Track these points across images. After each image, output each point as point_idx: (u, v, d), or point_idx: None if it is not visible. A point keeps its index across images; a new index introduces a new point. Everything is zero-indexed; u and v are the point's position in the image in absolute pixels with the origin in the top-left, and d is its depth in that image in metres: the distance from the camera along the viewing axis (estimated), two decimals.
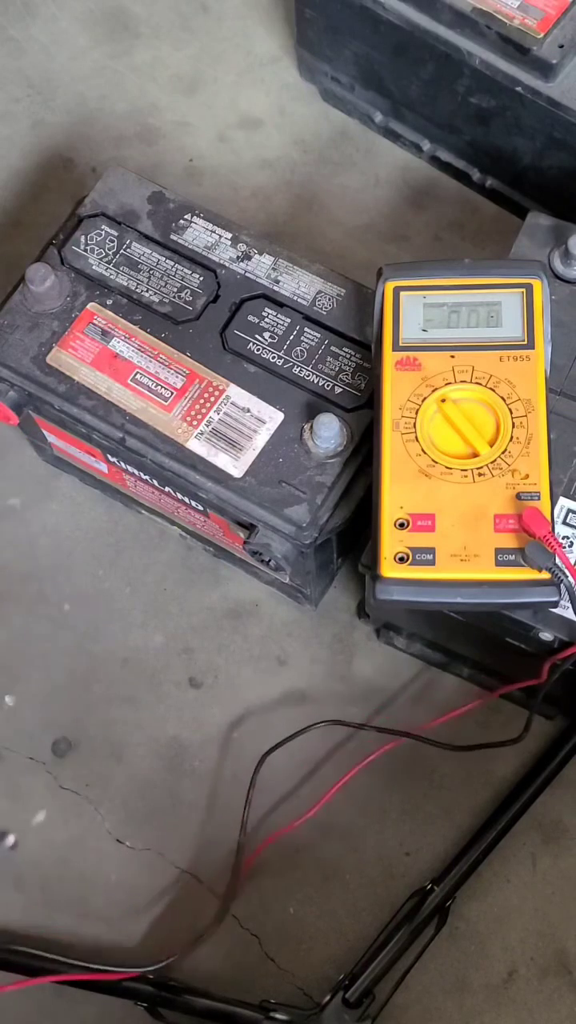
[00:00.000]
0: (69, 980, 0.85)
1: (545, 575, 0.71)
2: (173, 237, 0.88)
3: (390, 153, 1.13)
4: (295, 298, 0.86)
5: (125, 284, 0.87)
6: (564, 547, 0.76)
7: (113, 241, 0.88)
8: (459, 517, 0.73)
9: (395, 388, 0.77)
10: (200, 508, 0.85)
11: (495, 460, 0.74)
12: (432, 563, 0.72)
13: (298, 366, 0.84)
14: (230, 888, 0.88)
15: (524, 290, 0.79)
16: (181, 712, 0.94)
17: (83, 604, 0.98)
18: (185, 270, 0.87)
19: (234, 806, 0.90)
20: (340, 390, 0.83)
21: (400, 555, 0.72)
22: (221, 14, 1.19)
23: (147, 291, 0.87)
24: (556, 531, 0.76)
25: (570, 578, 0.70)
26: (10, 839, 0.91)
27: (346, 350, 0.84)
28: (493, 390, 0.76)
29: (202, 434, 0.82)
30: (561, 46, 0.91)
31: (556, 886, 0.88)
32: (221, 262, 0.87)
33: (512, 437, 0.75)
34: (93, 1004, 0.85)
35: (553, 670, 0.77)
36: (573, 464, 0.78)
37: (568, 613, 0.74)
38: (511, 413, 0.75)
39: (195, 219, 0.89)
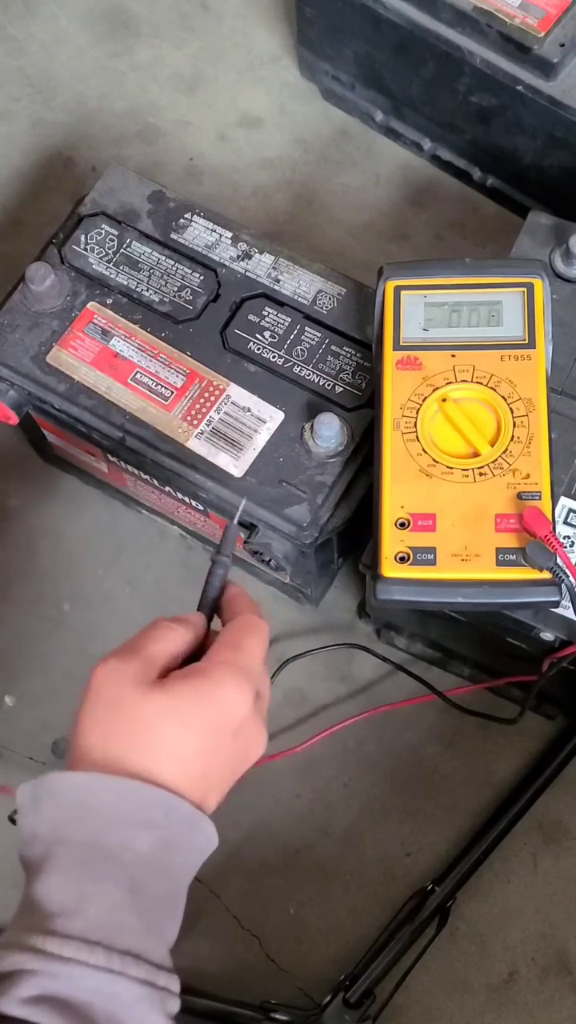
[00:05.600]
0: None
1: (546, 575, 0.70)
2: (173, 236, 0.88)
3: (391, 152, 1.12)
4: (295, 297, 0.86)
5: (125, 283, 0.87)
6: (565, 547, 0.75)
7: (113, 240, 0.88)
8: (460, 517, 0.73)
9: (396, 387, 0.77)
10: (200, 508, 0.85)
11: (496, 460, 0.74)
12: (433, 563, 0.72)
13: (298, 365, 0.84)
14: None
15: (525, 289, 0.79)
16: None
17: (83, 604, 0.97)
18: (185, 269, 0.87)
19: (233, 807, 0.90)
20: (340, 389, 0.83)
21: (401, 555, 0.72)
22: (221, 13, 1.19)
23: (147, 290, 0.86)
24: (557, 531, 0.76)
25: (571, 578, 0.70)
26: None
27: (347, 349, 0.84)
28: (494, 389, 0.76)
29: (202, 433, 0.82)
30: (562, 45, 0.91)
31: (557, 886, 0.88)
32: (221, 261, 0.87)
33: (513, 436, 0.74)
34: None
35: (552, 666, 0.77)
36: (574, 464, 0.78)
37: (569, 613, 0.74)
38: (512, 412, 0.75)
39: (195, 218, 0.89)
